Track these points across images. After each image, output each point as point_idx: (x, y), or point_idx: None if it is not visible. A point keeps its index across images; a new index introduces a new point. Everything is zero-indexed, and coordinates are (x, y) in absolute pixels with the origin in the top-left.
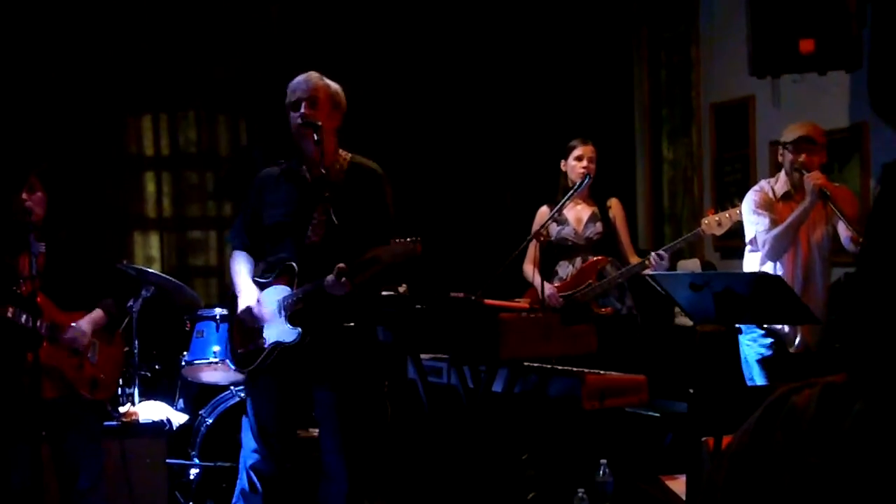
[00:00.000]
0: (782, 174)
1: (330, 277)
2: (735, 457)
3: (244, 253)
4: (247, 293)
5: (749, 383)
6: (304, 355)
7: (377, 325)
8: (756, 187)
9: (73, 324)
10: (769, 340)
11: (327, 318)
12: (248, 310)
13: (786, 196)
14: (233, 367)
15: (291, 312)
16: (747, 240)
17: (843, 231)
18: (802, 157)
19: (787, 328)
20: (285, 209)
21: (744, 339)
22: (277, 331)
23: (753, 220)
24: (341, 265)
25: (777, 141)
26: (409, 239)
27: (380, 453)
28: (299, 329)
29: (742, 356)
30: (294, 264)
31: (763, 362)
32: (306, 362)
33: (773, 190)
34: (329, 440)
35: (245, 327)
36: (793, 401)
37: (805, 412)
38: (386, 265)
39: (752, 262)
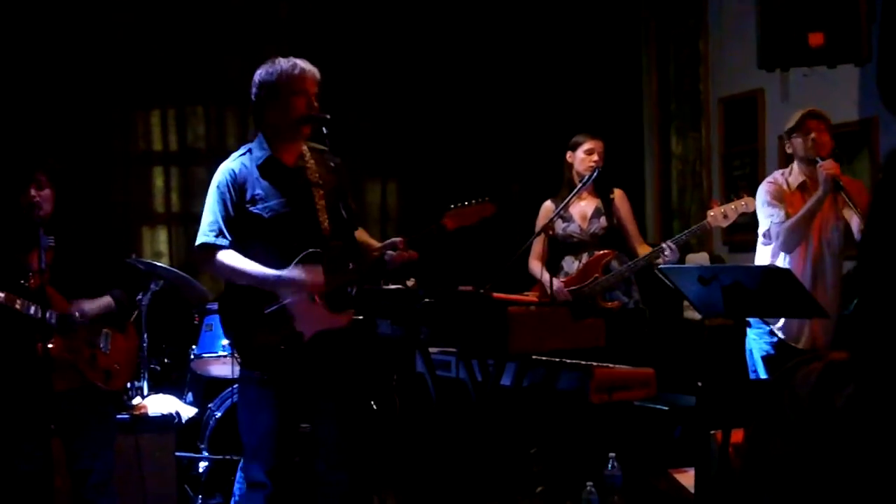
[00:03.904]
0: (795, 165)
1: (389, 253)
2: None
3: (232, 251)
4: (289, 272)
5: (752, 375)
6: (309, 348)
7: (382, 318)
8: (769, 178)
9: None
10: (774, 339)
11: (362, 301)
12: (315, 281)
13: (801, 187)
14: (249, 370)
15: (329, 298)
16: (761, 232)
17: (857, 224)
18: (812, 135)
19: (794, 327)
20: (283, 200)
21: (751, 333)
22: (317, 319)
23: (767, 212)
24: (398, 239)
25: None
26: (476, 200)
27: (388, 447)
28: (352, 310)
29: (747, 348)
30: (319, 251)
31: (766, 359)
32: (310, 355)
33: (787, 182)
34: (331, 435)
35: (276, 320)
36: (801, 371)
37: (805, 383)
38: (451, 231)
39: (764, 255)
